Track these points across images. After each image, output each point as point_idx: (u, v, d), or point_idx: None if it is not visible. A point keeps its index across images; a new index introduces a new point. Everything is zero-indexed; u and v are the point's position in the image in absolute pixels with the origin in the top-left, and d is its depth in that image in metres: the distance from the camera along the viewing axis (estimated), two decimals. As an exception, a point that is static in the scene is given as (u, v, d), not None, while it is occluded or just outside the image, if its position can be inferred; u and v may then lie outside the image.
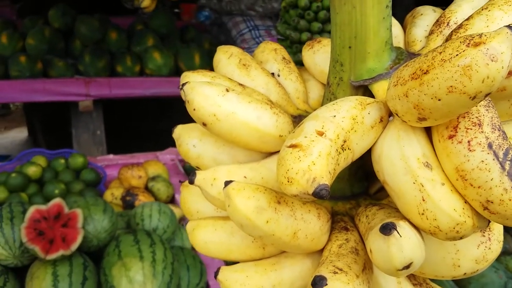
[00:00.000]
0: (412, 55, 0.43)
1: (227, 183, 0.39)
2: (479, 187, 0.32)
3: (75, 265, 1.26)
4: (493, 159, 0.31)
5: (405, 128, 0.36)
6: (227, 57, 0.52)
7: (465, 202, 0.34)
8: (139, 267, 1.25)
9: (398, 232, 0.33)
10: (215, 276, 0.45)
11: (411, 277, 0.46)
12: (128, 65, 2.69)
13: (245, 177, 0.44)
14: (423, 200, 0.34)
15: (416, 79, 0.31)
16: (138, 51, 2.79)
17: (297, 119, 0.48)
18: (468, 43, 0.29)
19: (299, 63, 0.56)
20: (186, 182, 0.53)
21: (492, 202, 0.32)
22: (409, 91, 0.32)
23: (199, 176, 0.45)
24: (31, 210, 1.30)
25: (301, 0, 1.16)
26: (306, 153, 0.32)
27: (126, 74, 2.68)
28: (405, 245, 0.33)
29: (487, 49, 0.28)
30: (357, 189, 0.48)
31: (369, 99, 0.39)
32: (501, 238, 0.42)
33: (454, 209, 0.33)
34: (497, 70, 0.28)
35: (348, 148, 0.36)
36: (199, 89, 0.43)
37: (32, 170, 1.88)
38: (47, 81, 2.51)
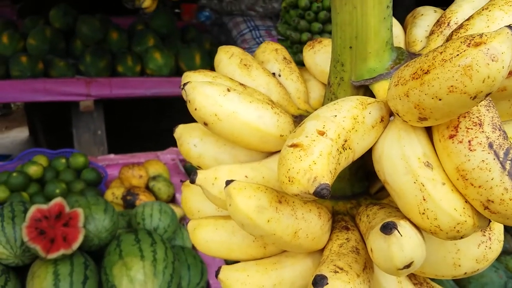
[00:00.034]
0: (413, 55, 0.44)
1: (228, 182, 0.39)
2: (479, 186, 0.32)
3: (76, 264, 1.26)
4: (494, 159, 0.31)
5: (405, 128, 0.36)
6: (228, 57, 0.52)
7: (466, 202, 0.34)
8: (140, 266, 1.25)
9: (398, 232, 0.33)
10: (216, 275, 0.45)
11: (412, 277, 0.46)
12: (129, 65, 2.69)
13: (246, 176, 0.45)
14: (424, 199, 0.34)
15: (417, 79, 0.31)
16: (138, 51, 2.79)
17: (298, 119, 0.48)
18: (469, 43, 0.29)
19: (300, 63, 0.56)
20: (187, 182, 0.53)
21: (492, 202, 0.32)
22: (410, 91, 0.32)
23: (201, 176, 0.45)
24: (32, 209, 1.30)
25: (301, 0, 1.16)
26: (307, 153, 0.32)
27: (127, 74, 2.69)
28: (405, 245, 0.33)
29: (488, 49, 0.28)
30: (358, 189, 0.48)
31: (370, 99, 0.39)
32: (502, 237, 0.42)
33: (455, 208, 0.33)
34: (497, 70, 0.28)
35: (349, 148, 0.36)
36: (200, 89, 0.43)
37: (33, 170, 1.88)
38: (48, 81, 2.51)
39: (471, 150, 0.32)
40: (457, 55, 0.29)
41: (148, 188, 1.97)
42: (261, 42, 0.58)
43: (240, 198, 0.38)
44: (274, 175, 0.45)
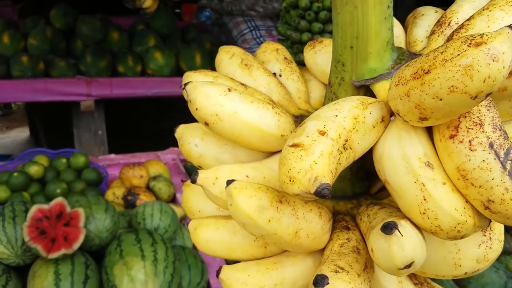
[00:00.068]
0: (414, 55, 0.44)
1: (229, 182, 0.39)
2: (480, 186, 0.32)
3: (77, 264, 1.26)
4: (494, 159, 0.31)
5: (406, 128, 0.36)
6: (229, 57, 0.53)
7: (466, 202, 0.34)
8: (141, 266, 1.25)
9: (399, 231, 0.33)
10: (217, 275, 0.45)
11: (412, 276, 0.46)
12: (130, 65, 2.69)
13: (247, 176, 0.45)
14: (424, 199, 0.34)
15: (417, 79, 0.31)
16: (139, 51, 2.79)
17: (299, 119, 0.48)
18: (470, 43, 0.29)
19: (300, 63, 0.56)
20: (188, 182, 0.53)
21: (493, 202, 0.32)
22: (411, 91, 0.32)
23: (201, 175, 0.45)
24: (33, 209, 1.30)
25: (301, 0, 1.16)
26: (308, 153, 0.32)
27: (128, 74, 2.69)
28: (406, 244, 0.33)
29: (489, 49, 0.28)
30: (359, 189, 0.48)
31: (371, 99, 0.39)
32: (502, 237, 0.42)
33: (455, 208, 0.33)
34: (498, 70, 0.28)
35: (350, 148, 0.36)
36: (201, 89, 0.43)
37: (34, 170, 1.88)
38: (49, 81, 2.51)
39: (471, 150, 0.32)
40: (458, 55, 0.29)
41: (148, 188, 1.97)
42: (262, 42, 0.58)
43: (241, 198, 0.38)
44: (275, 175, 0.45)
